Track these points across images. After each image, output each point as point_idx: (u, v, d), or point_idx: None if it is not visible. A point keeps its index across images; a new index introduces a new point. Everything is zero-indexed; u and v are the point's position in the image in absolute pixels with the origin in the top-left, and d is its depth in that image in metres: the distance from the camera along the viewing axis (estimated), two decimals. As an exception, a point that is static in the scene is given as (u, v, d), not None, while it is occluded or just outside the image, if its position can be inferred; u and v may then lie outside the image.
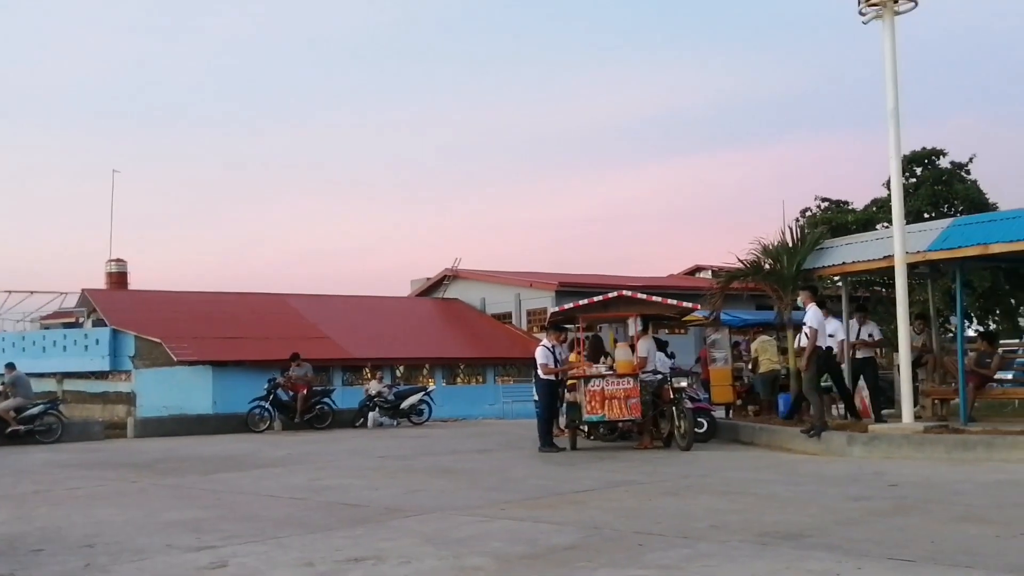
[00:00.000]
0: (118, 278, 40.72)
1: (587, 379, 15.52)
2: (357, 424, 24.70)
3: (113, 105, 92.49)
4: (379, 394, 25.22)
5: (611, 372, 15.60)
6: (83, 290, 38.64)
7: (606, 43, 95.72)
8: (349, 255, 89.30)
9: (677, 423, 15.16)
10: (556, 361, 16.22)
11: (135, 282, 41.23)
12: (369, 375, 29.52)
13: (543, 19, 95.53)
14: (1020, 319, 34.19)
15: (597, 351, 16.77)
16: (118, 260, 41.10)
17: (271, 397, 23.70)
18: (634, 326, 16.44)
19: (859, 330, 15.95)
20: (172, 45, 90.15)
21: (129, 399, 33.59)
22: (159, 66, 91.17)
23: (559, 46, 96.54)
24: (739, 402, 19.92)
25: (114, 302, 36.96)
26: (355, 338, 35.00)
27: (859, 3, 14.30)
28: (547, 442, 15.68)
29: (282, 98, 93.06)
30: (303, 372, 24.37)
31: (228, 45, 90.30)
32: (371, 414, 24.87)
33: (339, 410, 24.82)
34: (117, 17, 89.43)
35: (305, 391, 23.96)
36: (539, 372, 16.12)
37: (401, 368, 34.86)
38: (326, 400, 24.50)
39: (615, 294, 16.54)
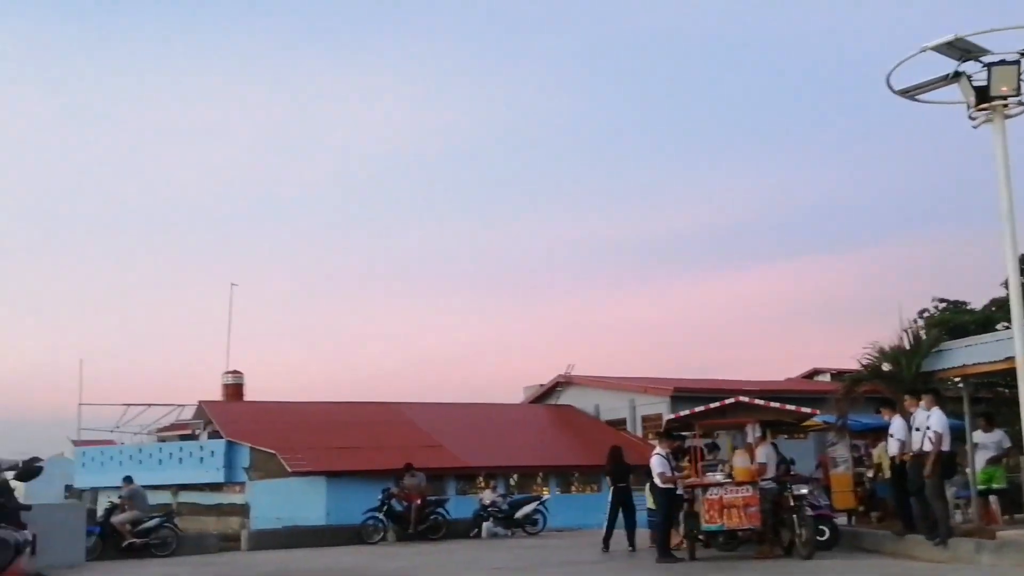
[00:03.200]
0: (234, 390, 41.48)
1: (705, 487, 15.24)
2: (472, 535, 24.52)
3: (228, 218, 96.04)
4: (493, 504, 25.05)
5: (729, 480, 15.31)
6: (200, 402, 39.48)
7: (717, 143, 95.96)
8: (461, 362, 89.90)
9: (798, 531, 14.76)
10: (672, 469, 15.97)
11: (250, 393, 41.97)
12: (483, 484, 29.37)
13: (652, 121, 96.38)
14: None
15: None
16: (235, 372, 41.91)
17: (385, 508, 23.66)
18: (752, 432, 16.15)
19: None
20: (281, 157, 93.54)
21: (243, 511, 33.90)
22: (270, 177, 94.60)
23: (667, 146, 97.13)
24: (862, 508, 19.27)
25: (229, 413, 37.60)
26: (469, 446, 34.91)
27: (968, 108, 14.17)
28: (665, 553, 15.36)
29: (390, 205, 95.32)
30: (417, 482, 24.33)
31: (336, 156, 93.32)
32: (485, 524, 24.69)
33: (453, 520, 24.66)
34: (228, 131, 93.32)
35: (419, 501, 23.87)
36: (656, 481, 15.88)
37: (515, 477, 34.56)
38: (440, 510, 24.36)
39: (732, 400, 16.32)
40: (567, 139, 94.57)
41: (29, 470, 7.98)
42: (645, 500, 17.67)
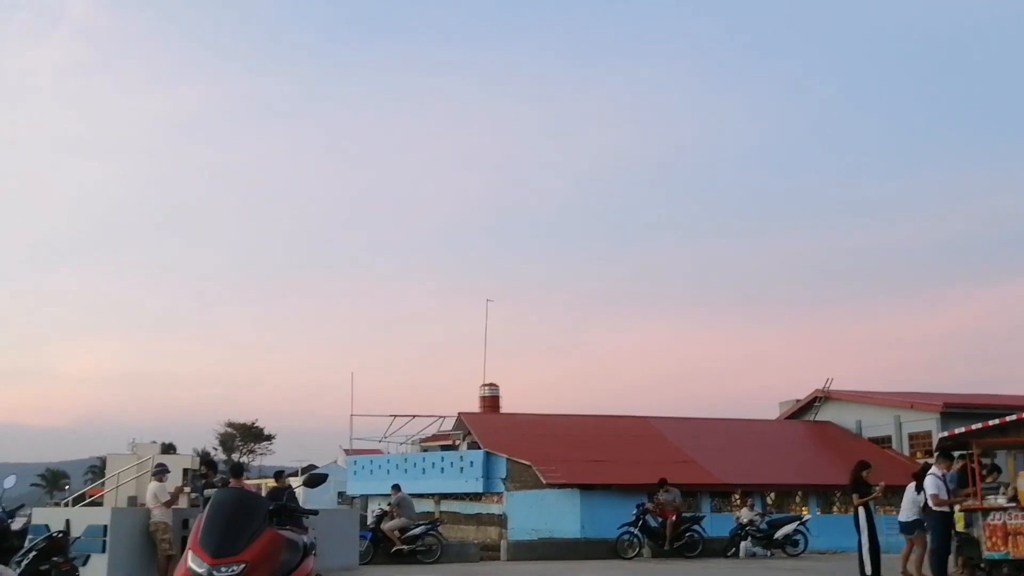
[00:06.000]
0: (491, 402, 42.50)
1: (985, 512, 14.26)
2: (728, 554, 24.04)
3: (483, 237, 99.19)
4: (751, 522, 24.50)
5: (1013, 504, 14.25)
6: (459, 414, 40.61)
7: (989, 151, 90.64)
8: (712, 377, 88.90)
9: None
10: (948, 491, 15.04)
11: (506, 405, 42.92)
12: (739, 502, 28.71)
13: (918, 128, 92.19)
14: None
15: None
16: (491, 385, 42.96)
17: (640, 523, 23.57)
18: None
19: None
20: (531, 176, 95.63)
21: (501, 521, 34.53)
22: (521, 196, 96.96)
23: (931, 154, 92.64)
24: None
25: (487, 425, 38.44)
26: (723, 463, 34.22)
27: None
28: (943, 581, 14.47)
29: (639, 221, 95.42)
30: (671, 498, 24.08)
31: (584, 174, 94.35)
32: (743, 543, 24.17)
33: (709, 538, 24.25)
34: (480, 152, 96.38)
35: (674, 518, 23.62)
36: (928, 503, 15.00)
37: (772, 495, 33.61)
38: (696, 527, 24.02)
39: (1015, 417, 15.21)
40: (822, 151, 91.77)
41: (316, 478, 8.40)
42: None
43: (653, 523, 23.70)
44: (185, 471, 26.85)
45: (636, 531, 23.52)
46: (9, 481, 17.15)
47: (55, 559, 13.56)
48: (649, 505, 23.96)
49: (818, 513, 32.74)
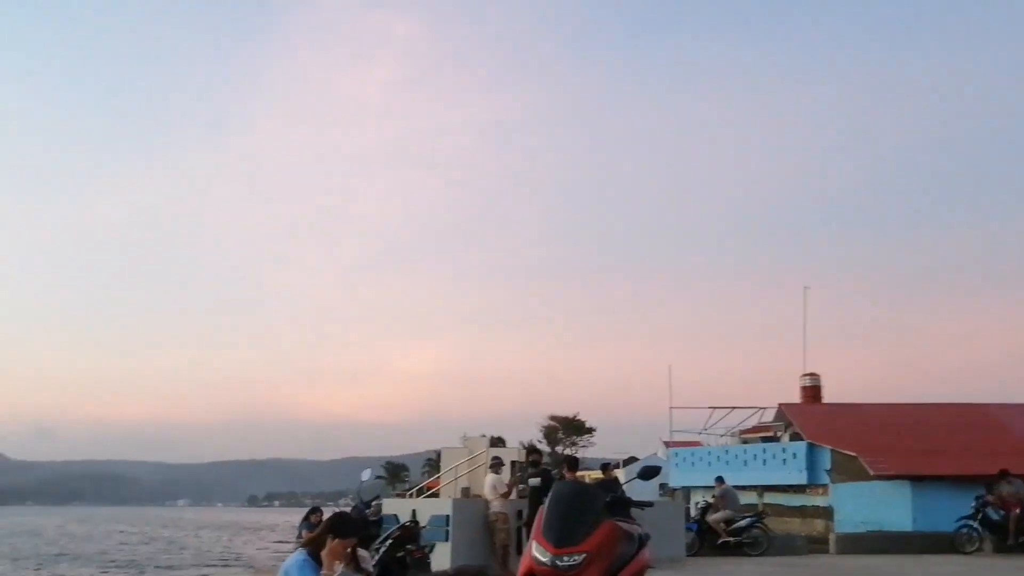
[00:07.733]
0: (812, 392, 41.48)
1: None
2: (1081, 549, 22.44)
3: (800, 222, 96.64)
4: (1107, 517, 22.73)
5: None
6: (779, 404, 39.99)
7: None
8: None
9: None
10: None
11: (828, 395, 41.77)
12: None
13: None
14: None
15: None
16: (811, 374, 41.92)
17: (980, 516, 22.50)
18: None
19: None
20: (848, 156, 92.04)
21: (826, 513, 33.79)
22: (840, 178, 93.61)
23: None
24: None
25: (808, 415, 37.64)
26: (1071, 452, 31.89)
27: None
28: None
29: (958, 199, 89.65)
30: (1015, 489, 22.77)
31: (904, 152, 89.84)
32: (1098, 540, 22.47)
33: (1058, 533, 22.71)
34: (797, 133, 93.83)
35: (1018, 510, 22.35)
36: None
37: None
38: (1043, 522, 22.59)
39: None
40: None
41: (650, 471, 8.81)
42: None
43: (994, 516, 22.52)
44: (513, 463, 28.22)
45: (976, 524, 22.47)
46: (366, 474, 18.92)
47: (408, 547, 14.85)
48: (989, 497, 22.80)
49: None
